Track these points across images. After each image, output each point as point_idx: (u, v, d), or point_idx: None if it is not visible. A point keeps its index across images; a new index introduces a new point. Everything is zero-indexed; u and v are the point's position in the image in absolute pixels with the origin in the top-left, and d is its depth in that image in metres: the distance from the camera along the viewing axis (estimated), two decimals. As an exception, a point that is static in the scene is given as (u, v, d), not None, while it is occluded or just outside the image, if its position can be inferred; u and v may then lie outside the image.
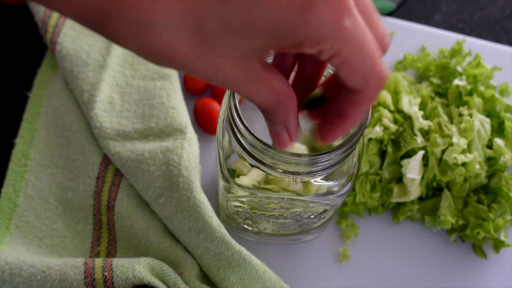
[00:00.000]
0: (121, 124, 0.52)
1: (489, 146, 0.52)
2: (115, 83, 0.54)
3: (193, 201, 0.47)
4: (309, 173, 0.36)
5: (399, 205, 0.52)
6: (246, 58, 0.27)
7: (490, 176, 0.52)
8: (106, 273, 0.45)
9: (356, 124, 0.32)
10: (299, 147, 0.51)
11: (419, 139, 0.50)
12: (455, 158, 0.49)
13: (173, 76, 0.56)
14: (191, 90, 0.56)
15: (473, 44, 0.60)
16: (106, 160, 0.53)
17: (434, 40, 0.61)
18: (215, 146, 0.50)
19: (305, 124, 0.47)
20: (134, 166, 0.50)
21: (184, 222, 0.47)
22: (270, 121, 0.31)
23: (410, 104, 0.52)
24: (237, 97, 0.35)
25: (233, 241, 0.47)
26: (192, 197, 0.47)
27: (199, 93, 0.57)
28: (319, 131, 0.32)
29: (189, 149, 0.51)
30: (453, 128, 0.51)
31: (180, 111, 0.53)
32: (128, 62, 0.56)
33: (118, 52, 0.56)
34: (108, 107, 0.53)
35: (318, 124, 0.33)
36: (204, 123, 0.55)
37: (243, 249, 0.46)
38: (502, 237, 0.50)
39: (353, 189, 0.51)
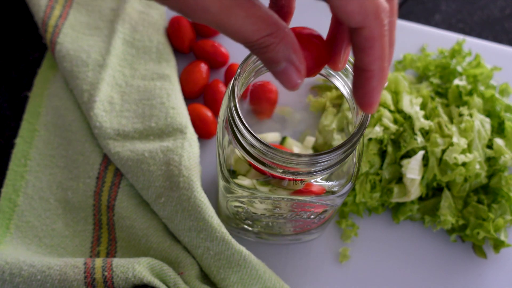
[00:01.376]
0: (121, 124, 0.52)
1: (489, 146, 0.52)
2: (114, 83, 0.54)
3: (193, 201, 0.47)
4: (309, 173, 0.36)
5: (399, 205, 0.52)
6: None
7: (490, 176, 0.52)
8: (106, 273, 0.45)
9: (385, 75, 0.30)
10: (298, 145, 0.51)
11: (419, 139, 0.50)
12: (455, 158, 0.49)
13: (173, 77, 0.56)
14: (186, 94, 0.56)
15: (473, 44, 0.60)
16: (106, 160, 0.53)
17: (434, 40, 0.61)
18: (215, 147, 0.50)
19: (304, 124, 0.47)
20: (134, 166, 0.50)
21: (184, 221, 0.47)
22: (270, 60, 0.29)
23: (411, 104, 0.52)
24: (237, 97, 0.35)
25: (233, 241, 0.47)
26: (193, 197, 0.47)
27: (194, 97, 0.57)
28: (359, 102, 0.31)
29: (190, 149, 0.51)
30: (453, 128, 0.51)
31: (180, 111, 0.53)
32: (128, 61, 0.56)
33: (117, 51, 0.56)
34: (108, 107, 0.53)
35: (355, 96, 0.31)
36: (196, 128, 0.54)
37: (243, 249, 0.47)
38: (502, 237, 0.50)
39: (353, 189, 0.51)
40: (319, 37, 0.33)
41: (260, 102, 0.53)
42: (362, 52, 0.29)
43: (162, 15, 0.60)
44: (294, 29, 0.33)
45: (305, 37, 0.32)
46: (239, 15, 0.27)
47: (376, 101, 0.31)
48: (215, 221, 0.47)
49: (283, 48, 0.29)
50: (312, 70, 0.33)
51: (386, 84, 0.30)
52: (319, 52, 0.32)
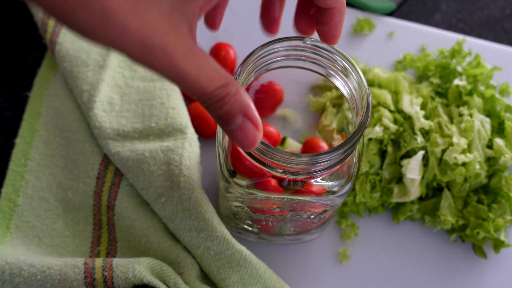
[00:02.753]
0: (120, 124, 0.52)
1: (489, 146, 0.52)
2: (114, 84, 0.55)
3: (194, 200, 0.47)
4: (309, 173, 0.36)
5: (399, 205, 0.52)
6: (173, 13, 0.26)
7: (490, 176, 0.52)
8: (106, 273, 0.45)
9: (345, 9, 0.35)
10: (298, 146, 0.51)
11: (419, 139, 0.50)
12: (455, 158, 0.49)
13: None
14: (186, 94, 0.56)
15: (473, 44, 0.60)
16: (106, 160, 0.53)
17: (434, 40, 0.61)
18: (215, 147, 0.50)
19: (304, 124, 0.48)
20: (135, 166, 0.50)
21: (184, 221, 0.47)
22: (226, 114, 0.28)
23: (412, 104, 0.52)
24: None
25: (234, 240, 0.47)
26: (194, 196, 0.48)
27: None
28: (324, 36, 0.35)
29: (190, 149, 0.51)
30: (453, 128, 0.51)
31: (180, 111, 0.53)
32: (127, 63, 0.56)
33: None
34: (108, 107, 0.53)
35: (319, 31, 0.35)
36: (196, 128, 0.54)
37: (244, 249, 0.47)
38: (502, 237, 0.50)
39: (353, 189, 0.51)
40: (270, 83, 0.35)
41: (264, 101, 0.53)
42: None
43: None
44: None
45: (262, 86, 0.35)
46: (194, 63, 0.26)
47: (339, 33, 0.35)
48: (216, 220, 0.47)
49: (239, 100, 0.28)
50: (269, 113, 0.35)
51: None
52: (276, 94, 0.35)
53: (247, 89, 0.40)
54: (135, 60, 0.26)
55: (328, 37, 0.35)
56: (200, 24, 0.32)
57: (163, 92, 0.54)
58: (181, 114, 0.53)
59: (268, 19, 0.37)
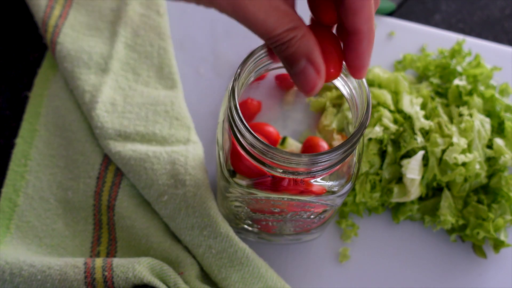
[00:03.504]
0: (122, 125, 0.52)
1: (489, 146, 0.52)
2: (117, 86, 0.55)
3: (199, 197, 0.48)
4: (309, 173, 0.36)
5: (399, 205, 0.52)
6: None
7: (490, 176, 0.52)
8: (106, 273, 0.45)
9: (373, 36, 0.31)
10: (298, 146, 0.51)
11: (419, 139, 0.50)
12: (455, 158, 0.49)
13: (176, 84, 0.56)
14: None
15: (473, 44, 0.60)
16: (107, 160, 0.53)
17: (434, 40, 0.61)
18: (215, 147, 0.50)
19: (304, 124, 0.48)
20: (137, 165, 0.50)
21: (187, 219, 0.47)
22: (291, 57, 0.28)
23: (412, 104, 0.52)
24: (237, 97, 0.35)
25: (237, 238, 0.47)
26: (199, 193, 0.48)
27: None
28: (350, 66, 0.31)
29: (194, 152, 0.51)
30: (453, 128, 0.51)
31: (183, 122, 0.53)
32: (130, 66, 0.56)
33: (120, 56, 0.56)
34: (110, 108, 0.53)
35: (346, 62, 0.32)
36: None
37: (246, 247, 0.47)
38: (502, 237, 0.50)
39: (353, 189, 0.51)
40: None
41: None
42: (353, 14, 0.29)
43: (163, 15, 0.60)
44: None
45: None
46: (263, 6, 0.27)
47: (366, 64, 0.31)
48: (220, 218, 0.47)
49: (304, 44, 0.28)
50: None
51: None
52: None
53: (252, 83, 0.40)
54: (203, 1, 0.27)
55: (354, 66, 0.32)
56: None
57: (167, 100, 0.54)
58: (184, 125, 0.53)
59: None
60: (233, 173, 0.41)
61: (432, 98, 0.54)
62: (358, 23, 0.30)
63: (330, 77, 0.33)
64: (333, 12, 0.32)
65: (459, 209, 0.51)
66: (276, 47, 0.29)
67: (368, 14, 0.30)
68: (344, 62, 0.33)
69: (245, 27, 0.28)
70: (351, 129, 0.42)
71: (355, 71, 0.32)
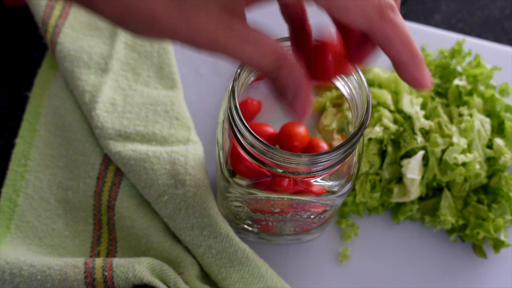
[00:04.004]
0: (122, 125, 0.52)
1: (489, 146, 0.52)
2: (117, 86, 0.55)
3: (199, 197, 0.48)
4: (309, 173, 0.36)
5: (399, 205, 0.52)
6: (225, 12, 0.27)
7: (490, 176, 0.52)
8: (106, 273, 0.45)
9: (417, 55, 0.30)
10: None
11: (419, 139, 0.50)
12: (455, 158, 0.49)
13: (176, 84, 0.56)
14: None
15: (473, 44, 0.60)
16: (107, 160, 0.53)
17: (434, 40, 0.61)
18: (215, 148, 0.50)
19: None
20: (137, 165, 0.50)
21: (187, 219, 0.47)
22: (279, 88, 0.30)
23: (412, 104, 0.52)
24: (237, 97, 0.35)
25: (237, 238, 0.47)
26: (199, 193, 0.48)
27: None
28: (412, 85, 0.31)
29: (194, 152, 0.51)
30: (453, 128, 0.51)
31: (183, 122, 0.53)
32: (130, 66, 0.56)
33: (120, 56, 0.56)
34: (110, 108, 0.53)
35: (405, 80, 0.31)
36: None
37: (246, 247, 0.47)
38: (502, 237, 0.50)
39: (353, 189, 0.51)
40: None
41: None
42: (385, 49, 0.30)
43: None
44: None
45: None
46: (248, 48, 0.28)
47: (425, 77, 0.30)
48: (220, 218, 0.47)
49: (291, 75, 0.29)
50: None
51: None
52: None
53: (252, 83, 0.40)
54: (187, 44, 0.28)
55: (415, 85, 0.31)
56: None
57: (167, 99, 0.54)
58: (184, 126, 0.53)
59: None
60: (233, 173, 0.41)
61: (432, 98, 0.54)
62: (394, 55, 0.30)
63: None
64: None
65: (459, 209, 0.51)
66: (267, 80, 0.30)
67: (400, 46, 0.29)
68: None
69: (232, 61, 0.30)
70: (351, 129, 0.42)
71: (418, 87, 0.31)
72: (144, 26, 0.27)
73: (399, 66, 0.30)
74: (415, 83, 0.31)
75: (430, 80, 0.31)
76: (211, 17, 0.27)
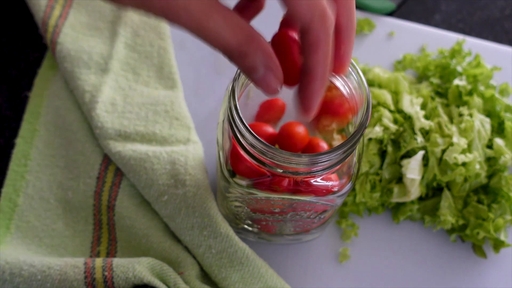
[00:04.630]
0: (122, 125, 0.52)
1: (489, 146, 0.52)
2: (117, 86, 0.55)
3: (199, 197, 0.48)
4: (309, 173, 0.36)
5: (399, 205, 0.52)
6: None
7: (490, 176, 0.52)
8: (106, 273, 0.45)
9: (325, 81, 0.31)
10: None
11: (419, 139, 0.50)
12: (455, 158, 0.49)
13: (176, 84, 0.56)
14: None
15: (473, 44, 0.60)
16: (107, 160, 0.53)
17: (434, 40, 0.61)
18: (215, 148, 0.50)
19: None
20: (137, 165, 0.50)
21: (187, 219, 0.47)
22: (249, 66, 0.30)
23: (412, 104, 0.52)
24: (237, 97, 0.35)
25: (237, 238, 0.47)
26: (199, 193, 0.48)
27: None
28: (299, 105, 0.32)
29: (194, 152, 0.51)
30: (453, 128, 0.51)
31: (183, 122, 0.53)
32: (130, 66, 0.56)
33: (120, 56, 0.56)
34: (110, 108, 0.53)
35: (296, 99, 0.32)
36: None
37: (246, 247, 0.47)
38: (502, 237, 0.50)
39: (353, 189, 0.51)
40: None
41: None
42: (307, 54, 0.30)
43: None
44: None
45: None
46: (218, 20, 0.28)
47: (314, 105, 0.32)
48: (220, 218, 0.47)
49: (261, 55, 0.30)
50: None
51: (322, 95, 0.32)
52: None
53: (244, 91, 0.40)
54: (159, 16, 0.28)
55: (302, 106, 0.32)
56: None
57: (167, 99, 0.54)
58: (184, 126, 0.53)
59: None
60: (233, 173, 0.41)
61: (432, 98, 0.54)
62: (309, 64, 0.31)
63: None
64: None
65: (459, 209, 0.51)
66: (232, 60, 0.30)
67: (323, 58, 0.30)
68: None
69: (202, 39, 0.30)
70: (351, 129, 0.42)
71: (303, 111, 0.32)
72: None
73: (306, 77, 0.31)
74: (304, 105, 0.32)
75: (314, 112, 0.32)
76: None
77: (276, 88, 0.31)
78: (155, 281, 0.45)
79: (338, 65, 0.33)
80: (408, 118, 0.52)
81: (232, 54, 0.30)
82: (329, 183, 0.40)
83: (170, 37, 0.59)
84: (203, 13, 0.28)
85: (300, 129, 0.45)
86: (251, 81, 0.32)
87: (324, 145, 0.46)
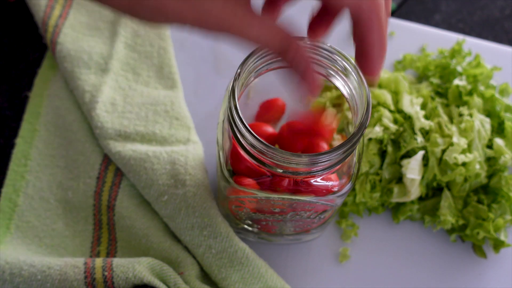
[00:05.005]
0: (122, 125, 0.52)
1: (489, 146, 0.52)
2: (117, 86, 0.55)
3: (199, 197, 0.48)
4: (309, 173, 0.36)
5: (399, 205, 0.52)
6: None
7: (490, 176, 0.52)
8: (106, 273, 0.45)
9: (385, 43, 0.33)
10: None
11: (419, 139, 0.50)
12: (455, 158, 0.49)
13: (176, 84, 0.56)
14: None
15: (473, 44, 0.60)
16: (107, 160, 0.53)
17: (434, 40, 0.61)
18: (215, 148, 0.50)
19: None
20: (137, 165, 0.50)
21: (187, 219, 0.47)
22: (291, 65, 0.32)
23: (412, 104, 0.52)
24: (237, 97, 0.35)
25: (237, 238, 0.47)
26: (199, 193, 0.48)
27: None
28: (364, 71, 0.35)
29: (194, 151, 0.51)
30: (453, 128, 0.51)
31: (183, 121, 0.53)
32: (130, 66, 0.56)
33: (120, 56, 0.56)
34: (110, 108, 0.53)
35: (359, 65, 0.35)
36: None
37: (246, 247, 0.47)
38: (502, 237, 0.50)
39: (353, 189, 0.51)
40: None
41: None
42: (362, 32, 0.32)
43: None
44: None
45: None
46: (255, 29, 0.30)
47: (379, 68, 0.34)
48: (220, 218, 0.47)
49: (299, 52, 0.32)
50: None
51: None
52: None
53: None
54: (195, 28, 0.30)
55: (367, 71, 0.35)
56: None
57: (167, 99, 0.54)
58: (184, 126, 0.53)
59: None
60: (233, 173, 0.41)
61: (432, 98, 0.54)
62: (367, 37, 0.33)
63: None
64: (326, 27, 0.36)
65: (459, 209, 0.51)
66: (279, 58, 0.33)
67: (378, 31, 0.32)
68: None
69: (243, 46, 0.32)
70: (351, 129, 0.42)
71: (369, 74, 0.35)
72: (152, 13, 0.29)
73: (365, 46, 0.33)
74: (369, 69, 0.34)
75: (380, 73, 0.35)
76: (216, 2, 0.29)
77: (318, 85, 0.33)
78: (155, 281, 0.44)
79: (370, 71, 0.35)
80: (408, 118, 0.52)
81: (277, 54, 0.32)
82: (329, 183, 0.40)
83: (170, 37, 0.59)
84: (239, 26, 0.30)
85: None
86: (295, 81, 0.33)
87: (324, 145, 0.46)
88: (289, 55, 0.32)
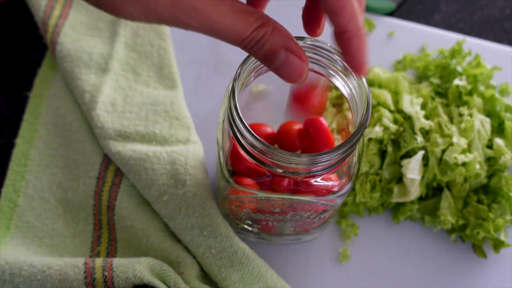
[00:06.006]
0: (122, 125, 0.52)
1: (489, 146, 0.52)
2: (117, 86, 0.55)
3: (199, 197, 0.48)
4: (309, 173, 0.36)
5: (399, 205, 0.52)
6: None
7: (490, 176, 0.52)
8: (106, 273, 0.45)
9: (363, 33, 0.31)
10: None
11: (419, 139, 0.50)
12: (455, 158, 0.49)
13: (176, 84, 0.56)
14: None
15: (473, 44, 0.60)
16: (107, 160, 0.53)
17: (434, 40, 0.61)
18: (214, 148, 0.50)
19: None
20: (137, 165, 0.50)
21: (187, 219, 0.47)
22: (269, 52, 0.29)
23: (412, 104, 0.52)
24: (237, 97, 0.35)
25: (237, 238, 0.47)
26: (199, 193, 0.48)
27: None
28: (351, 66, 0.32)
29: (194, 152, 0.51)
30: (453, 128, 0.51)
31: (183, 121, 0.53)
32: (130, 66, 0.56)
33: (120, 56, 0.56)
34: (110, 108, 0.53)
35: (347, 62, 0.32)
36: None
37: (246, 247, 0.47)
38: (502, 237, 0.50)
39: (353, 189, 0.51)
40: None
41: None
42: (335, 15, 0.30)
43: None
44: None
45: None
46: (227, 12, 0.27)
47: (365, 61, 0.31)
48: (220, 218, 0.47)
49: (278, 36, 0.29)
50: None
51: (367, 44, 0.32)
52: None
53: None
54: (168, 19, 0.27)
55: (353, 66, 0.32)
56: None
57: (167, 99, 0.54)
58: (184, 126, 0.53)
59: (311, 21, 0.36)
60: (233, 173, 0.41)
61: (432, 98, 0.54)
62: (341, 23, 0.30)
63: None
64: (319, 19, 0.34)
65: (459, 209, 0.51)
66: (251, 49, 0.29)
67: (350, 13, 0.30)
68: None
69: (215, 38, 0.29)
70: (351, 129, 0.42)
71: (356, 69, 0.32)
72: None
73: (344, 38, 0.30)
74: (355, 63, 0.31)
75: (367, 67, 0.32)
76: None
77: (302, 69, 0.29)
78: (155, 281, 0.45)
79: (356, 68, 0.32)
80: (408, 118, 0.52)
81: (248, 45, 0.29)
82: (329, 183, 0.40)
83: (170, 37, 0.59)
84: (212, 9, 0.27)
85: (299, 128, 0.45)
86: (276, 73, 0.30)
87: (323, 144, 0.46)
88: (263, 38, 0.28)
